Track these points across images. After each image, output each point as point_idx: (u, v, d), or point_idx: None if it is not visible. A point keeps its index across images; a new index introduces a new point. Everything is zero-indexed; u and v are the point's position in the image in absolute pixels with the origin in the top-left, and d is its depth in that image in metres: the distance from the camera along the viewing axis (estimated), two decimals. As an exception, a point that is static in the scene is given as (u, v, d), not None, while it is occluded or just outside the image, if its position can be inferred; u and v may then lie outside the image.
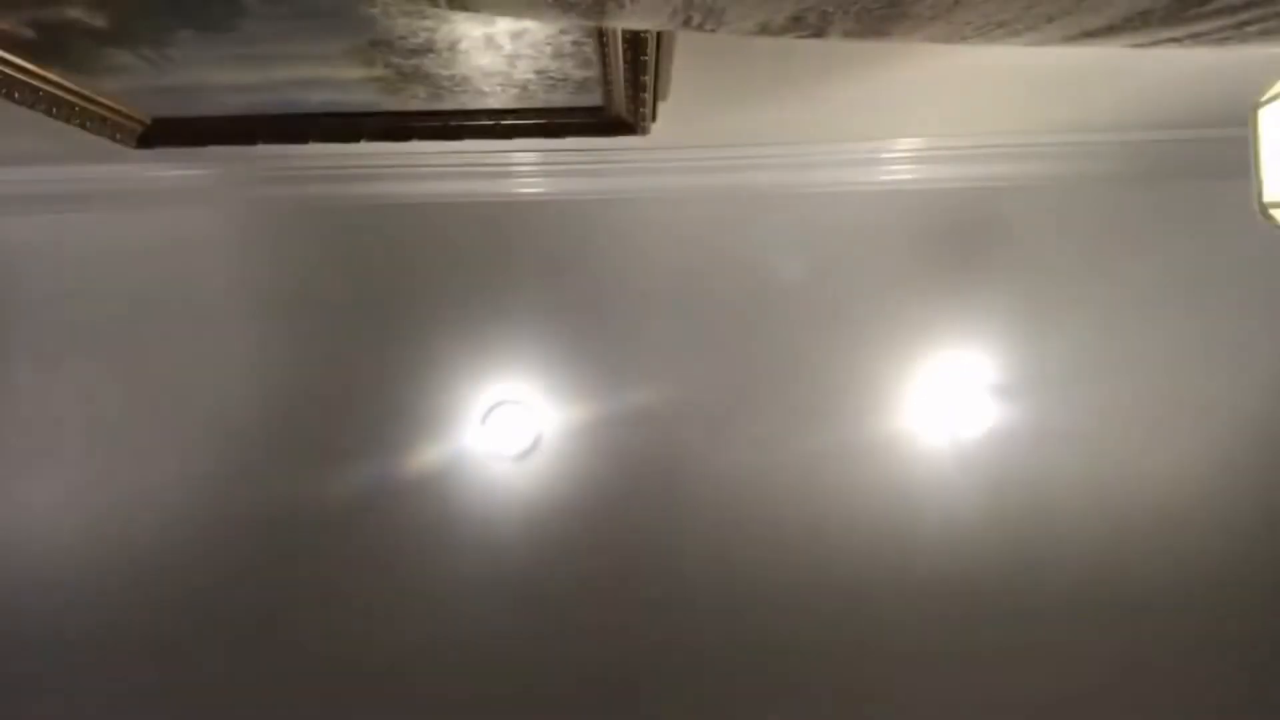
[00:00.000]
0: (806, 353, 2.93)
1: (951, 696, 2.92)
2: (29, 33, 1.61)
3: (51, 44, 1.67)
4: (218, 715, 3.06)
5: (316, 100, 2.03)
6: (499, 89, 1.96)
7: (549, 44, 1.74)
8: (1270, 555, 2.88)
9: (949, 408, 2.90)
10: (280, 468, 2.99)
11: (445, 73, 1.86)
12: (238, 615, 3.02)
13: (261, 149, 2.26)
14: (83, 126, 1.99)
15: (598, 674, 2.98)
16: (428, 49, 1.74)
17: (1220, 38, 0.92)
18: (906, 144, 2.77)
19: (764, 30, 0.97)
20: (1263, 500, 2.87)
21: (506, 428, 2.95)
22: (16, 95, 1.79)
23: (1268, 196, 1.65)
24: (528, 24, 1.65)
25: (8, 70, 1.72)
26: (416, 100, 2.01)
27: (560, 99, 2.03)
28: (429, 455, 2.99)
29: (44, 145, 2.59)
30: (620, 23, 1.36)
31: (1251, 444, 2.88)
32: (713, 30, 0.98)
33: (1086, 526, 2.90)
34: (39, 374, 3.03)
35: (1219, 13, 0.86)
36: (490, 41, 1.72)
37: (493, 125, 2.13)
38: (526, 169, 2.84)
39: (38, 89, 1.80)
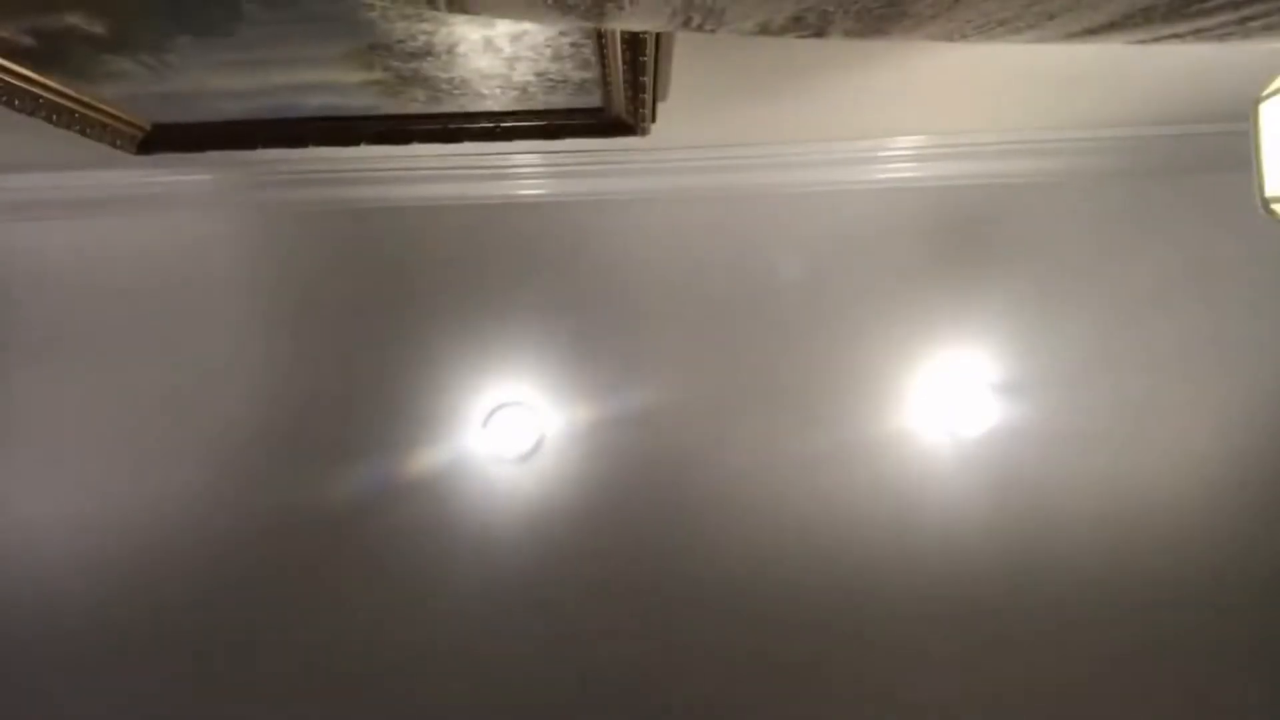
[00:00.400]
0: (809, 352, 2.93)
1: (955, 695, 2.92)
2: (28, 40, 1.62)
3: (51, 51, 1.67)
4: (220, 718, 3.06)
5: (315, 104, 2.03)
6: (498, 92, 1.96)
7: (548, 46, 1.74)
8: (1278, 552, 2.87)
9: (952, 406, 2.89)
10: (282, 471, 2.99)
11: (444, 76, 1.86)
12: (240, 619, 3.02)
13: (261, 153, 2.27)
14: (82, 133, 2.00)
15: (601, 677, 2.97)
16: (426, 52, 1.74)
17: (1223, 33, 0.91)
18: (907, 142, 2.77)
19: (764, 30, 0.97)
20: (1270, 496, 2.86)
21: (508, 430, 2.95)
22: (16, 102, 1.79)
23: (1269, 191, 1.65)
24: (527, 26, 1.65)
25: (7, 77, 1.72)
26: (416, 103, 2.01)
27: (560, 101, 2.03)
28: (431, 458, 2.99)
29: (44, 152, 2.59)
30: (619, 24, 1.36)
31: (1257, 440, 2.87)
32: (712, 31, 0.98)
33: (1090, 524, 2.89)
34: (41, 380, 3.03)
35: (1222, 8, 0.86)
36: (489, 44, 1.72)
37: (492, 128, 2.13)
38: (527, 171, 2.84)
39: (38, 96, 1.81)
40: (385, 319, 2.98)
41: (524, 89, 1.95)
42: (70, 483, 3.04)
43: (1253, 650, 2.88)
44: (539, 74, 1.87)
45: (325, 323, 2.99)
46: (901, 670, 2.93)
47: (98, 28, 1.59)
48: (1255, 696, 2.88)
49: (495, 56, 1.78)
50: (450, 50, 1.74)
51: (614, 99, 1.99)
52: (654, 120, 2.15)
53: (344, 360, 2.99)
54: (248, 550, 3.00)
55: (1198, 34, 0.92)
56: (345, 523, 2.98)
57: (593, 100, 2.03)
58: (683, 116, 2.38)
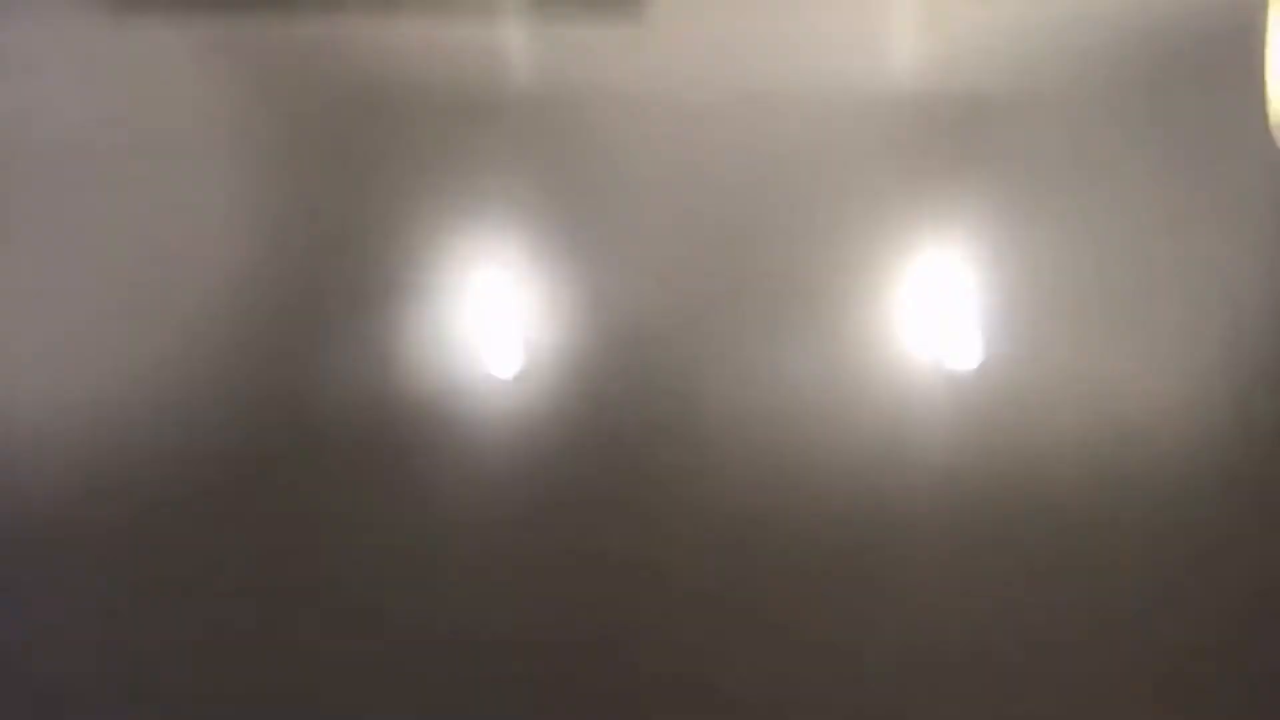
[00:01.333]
0: (800, 267, 2.87)
1: (944, 629, 2.92)
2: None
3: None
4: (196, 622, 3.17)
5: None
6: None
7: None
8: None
9: (939, 334, 2.83)
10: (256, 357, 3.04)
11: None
12: (222, 511, 3.10)
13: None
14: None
15: (592, 605, 3.02)
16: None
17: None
18: (900, 51, 2.69)
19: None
20: (1270, 425, 2.79)
21: (496, 349, 2.95)
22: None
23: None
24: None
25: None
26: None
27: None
28: (421, 376, 3.01)
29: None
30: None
31: (1259, 366, 2.78)
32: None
33: (1086, 454, 2.83)
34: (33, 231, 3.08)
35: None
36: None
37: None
38: (516, 56, 2.79)
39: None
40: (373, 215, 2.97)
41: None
42: (38, 357, 3.11)
43: (1260, 588, 2.84)
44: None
45: (318, 170, 3.00)
46: (896, 603, 2.92)
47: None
48: (1261, 630, 2.84)
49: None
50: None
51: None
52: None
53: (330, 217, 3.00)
54: (226, 437, 3.07)
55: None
56: (325, 432, 3.03)
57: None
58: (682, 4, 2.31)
